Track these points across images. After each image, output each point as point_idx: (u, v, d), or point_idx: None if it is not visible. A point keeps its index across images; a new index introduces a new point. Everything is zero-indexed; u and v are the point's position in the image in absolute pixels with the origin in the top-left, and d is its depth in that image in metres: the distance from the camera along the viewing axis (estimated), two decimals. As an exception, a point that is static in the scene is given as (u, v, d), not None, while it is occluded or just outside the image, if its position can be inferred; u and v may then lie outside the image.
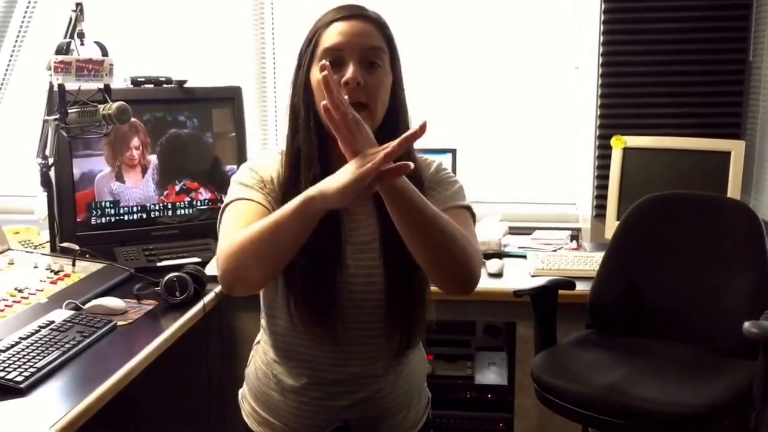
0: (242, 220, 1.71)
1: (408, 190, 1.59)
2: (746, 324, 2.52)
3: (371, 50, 1.76)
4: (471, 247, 1.70)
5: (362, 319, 1.83)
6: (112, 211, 3.32)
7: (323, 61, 1.54)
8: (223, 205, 1.84)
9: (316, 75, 1.74)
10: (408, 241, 1.64)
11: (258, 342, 2.02)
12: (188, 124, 3.47)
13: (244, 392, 2.05)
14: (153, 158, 3.40)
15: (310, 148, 1.78)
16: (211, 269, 3.10)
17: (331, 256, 1.78)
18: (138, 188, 3.37)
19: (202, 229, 3.47)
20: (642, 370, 2.74)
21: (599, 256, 3.25)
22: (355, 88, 1.71)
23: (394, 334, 1.85)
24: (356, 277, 1.81)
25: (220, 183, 3.52)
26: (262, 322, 1.97)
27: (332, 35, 1.75)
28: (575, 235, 3.81)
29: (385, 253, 1.80)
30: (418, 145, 1.66)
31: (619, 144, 3.54)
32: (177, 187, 3.46)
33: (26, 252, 3.17)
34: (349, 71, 1.72)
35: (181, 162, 3.47)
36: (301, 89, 1.81)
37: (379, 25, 1.80)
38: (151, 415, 2.84)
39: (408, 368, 1.94)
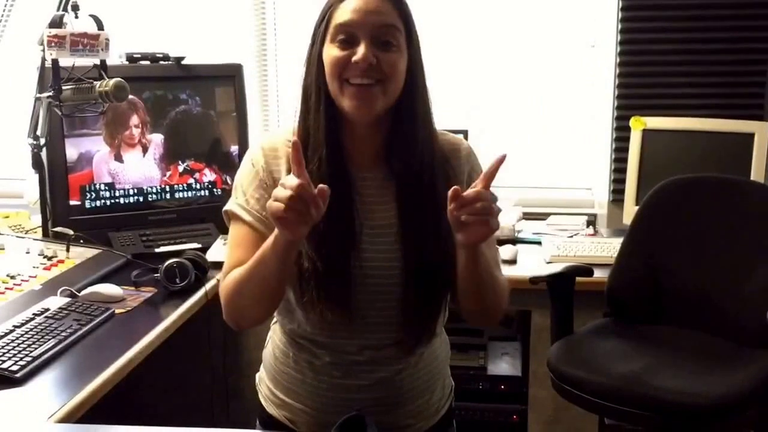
0: (236, 252, 1.77)
1: (484, 250, 1.65)
2: None
3: (385, 28, 1.68)
4: (506, 289, 1.80)
5: (378, 305, 1.76)
6: (107, 194, 3.21)
7: (294, 139, 1.57)
8: (225, 208, 1.85)
9: (329, 52, 1.69)
10: (467, 288, 1.71)
11: (275, 322, 1.94)
12: (190, 103, 3.36)
13: (261, 375, 1.98)
14: (154, 137, 3.29)
15: (318, 130, 1.73)
16: (213, 255, 3.00)
17: (343, 239, 1.72)
18: (138, 168, 3.26)
19: (202, 213, 3.36)
20: (662, 360, 2.66)
21: (617, 242, 3.16)
22: (367, 67, 1.65)
23: (411, 323, 1.78)
24: (372, 261, 1.74)
25: (223, 163, 3.43)
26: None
27: (345, 11, 1.68)
28: (592, 221, 3.70)
29: (404, 238, 1.74)
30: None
31: (638, 125, 3.43)
32: (180, 168, 3.36)
33: (18, 237, 3.07)
34: (360, 50, 1.65)
35: (187, 142, 3.38)
36: (314, 67, 1.73)
37: (395, 1, 1.71)
38: (152, 404, 2.77)
39: (429, 350, 1.87)
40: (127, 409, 2.27)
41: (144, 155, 3.27)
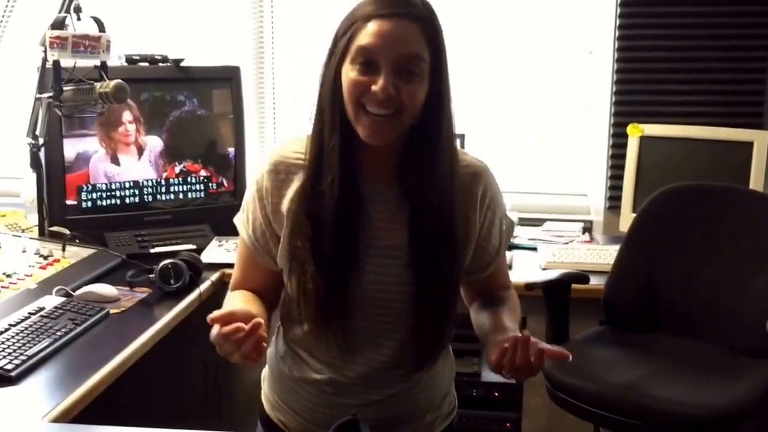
0: (239, 272, 1.85)
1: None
2: None
3: (409, 59, 1.59)
4: (518, 307, 1.88)
5: (378, 329, 1.74)
6: (104, 195, 3.20)
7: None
8: (234, 218, 1.85)
9: (348, 74, 1.61)
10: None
11: (280, 324, 1.92)
12: (188, 104, 3.36)
13: (265, 373, 1.97)
14: (150, 140, 3.29)
15: (333, 150, 1.66)
16: (208, 256, 2.99)
17: (344, 259, 1.68)
18: (134, 171, 3.26)
19: (197, 215, 3.36)
20: (660, 370, 2.65)
21: (613, 249, 3.15)
22: (386, 98, 1.58)
23: (415, 350, 1.75)
24: (375, 283, 1.71)
25: (220, 165, 3.43)
26: (280, 309, 1.89)
27: (369, 34, 1.59)
28: (588, 227, 3.69)
29: (415, 264, 1.70)
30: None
31: (635, 132, 3.42)
32: (177, 169, 3.35)
33: (14, 236, 3.06)
34: (380, 82, 1.57)
35: (183, 143, 3.38)
36: (330, 83, 1.65)
37: (425, 26, 1.62)
38: (145, 404, 2.75)
39: (429, 374, 1.83)
40: (121, 408, 2.26)
41: (140, 158, 3.26)
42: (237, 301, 1.75)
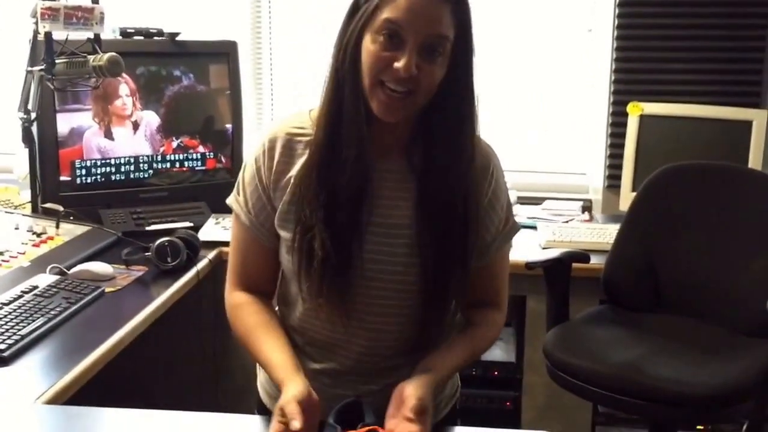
0: (236, 256, 1.79)
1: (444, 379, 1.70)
2: None
3: (436, 38, 1.55)
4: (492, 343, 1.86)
5: (375, 310, 1.70)
6: (99, 171, 3.16)
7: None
8: (227, 200, 1.79)
9: (369, 45, 1.55)
10: None
11: (276, 310, 1.87)
12: (184, 80, 3.31)
13: None
14: (146, 115, 3.24)
15: (351, 124, 1.60)
16: (205, 234, 2.96)
17: (349, 236, 1.64)
18: (129, 146, 3.22)
19: (194, 192, 3.32)
20: (659, 349, 2.63)
21: (613, 228, 3.14)
22: (407, 78, 1.53)
23: (417, 328, 1.72)
24: (375, 263, 1.66)
25: (217, 141, 3.39)
26: (276, 294, 1.85)
27: (399, 8, 1.52)
28: (587, 206, 3.67)
29: (422, 245, 1.66)
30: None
31: (635, 111, 3.39)
32: (174, 144, 3.31)
33: (6, 212, 3.02)
34: (404, 60, 1.52)
35: (180, 119, 3.33)
36: (350, 53, 1.58)
37: (456, 6, 1.58)
38: (141, 385, 2.73)
39: None
40: (116, 389, 2.23)
41: (135, 133, 3.22)
42: (265, 341, 1.71)
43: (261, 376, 1.91)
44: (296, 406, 1.48)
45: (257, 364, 1.92)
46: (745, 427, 3.00)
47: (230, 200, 1.77)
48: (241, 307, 1.76)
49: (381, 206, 1.66)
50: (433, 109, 1.61)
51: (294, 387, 1.54)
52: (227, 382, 3.23)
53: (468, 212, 1.65)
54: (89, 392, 1.96)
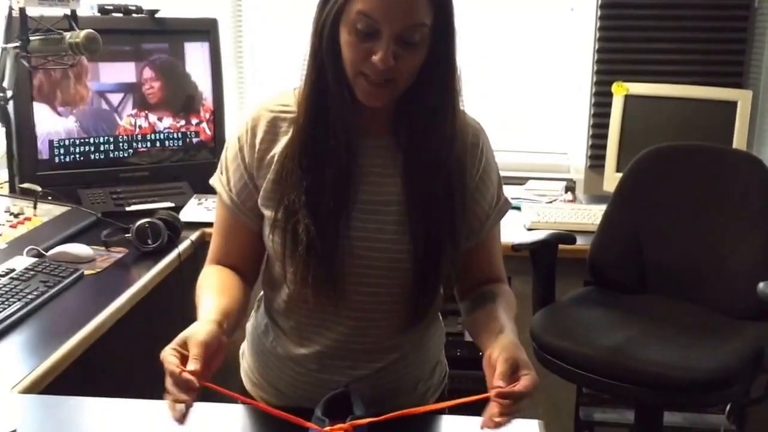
0: (218, 238, 1.76)
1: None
2: (761, 285, 2.42)
3: (412, 27, 1.49)
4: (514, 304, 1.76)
5: (361, 289, 1.66)
6: (77, 150, 3.10)
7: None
8: (210, 180, 1.75)
9: (344, 37, 1.51)
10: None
11: (260, 298, 1.85)
12: (164, 58, 3.26)
13: (244, 348, 1.90)
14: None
15: (339, 109, 1.57)
16: (186, 215, 2.92)
17: (335, 217, 1.60)
18: (95, 122, 3.16)
19: (175, 171, 3.28)
20: (647, 331, 2.62)
21: (597, 209, 3.14)
22: (386, 69, 1.49)
23: (407, 307, 1.68)
24: (362, 240, 1.63)
25: (198, 121, 3.35)
26: (261, 276, 1.81)
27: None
28: (571, 187, 3.64)
29: (411, 222, 1.63)
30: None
31: (620, 91, 3.37)
32: (155, 123, 3.26)
33: (-18, 192, 2.96)
34: (380, 53, 1.47)
35: (160, 97, 3.27)
36: (329, 41, 1.54)
37: None
38: (121, 369, 2.69)
39: (416, 346, 1.77)
40: (96, 374, 2.20)
41: (115, 112, 3.17)
42: (208, 294, 1.64)
43: (244, 364, 1.88)
44: (201, 348, 1.43)
45: (240, 352, 1.90)
46: (728, 409, 3.02)
47: (213, 180, 1.74)
48: (207, 275, 1.72)
49: (370, 183, 1.63)
50: (419, 84, 1.58)
51: (207, 326, 1.49)
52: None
53: (456, 187, 1.62)
54: (68, 379, 1.93)
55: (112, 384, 2.34)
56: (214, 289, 1.64)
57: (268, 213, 1.66)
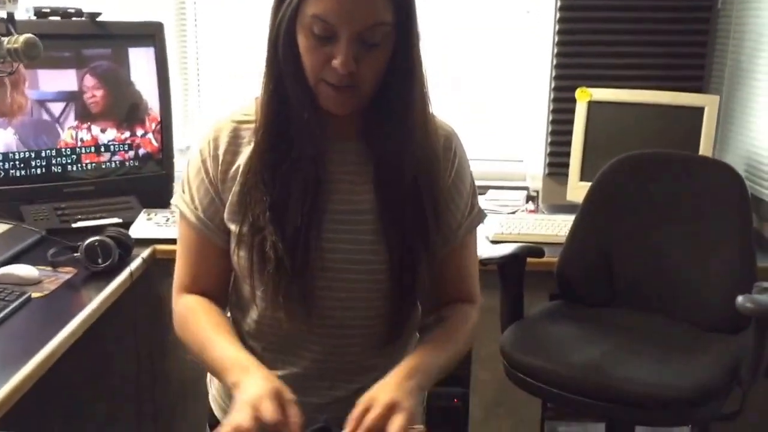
0: (185, 259, 1.68)
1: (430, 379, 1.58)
2: (740, 298, 2.34)
3: (372, 27, 1.42)
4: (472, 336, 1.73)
5: (339, 302, 1.61)
6: (17, 164, 2.95)
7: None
8: (172, 200, 1.69)
9: (302, 43, 1.45)
10: None
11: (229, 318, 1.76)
12: (104, 64, 3.11)
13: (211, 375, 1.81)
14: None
15: (300, 119, 1.51)
16: (136, 231, 2.78)
17: (305, 231, 1.54)
18: (35, 133, 3.00)
19: (122, 185, 3.13)
20: (621, 347, 2.54)
21: (560, 219, 3.08)
22: (347, 74, 1.43)
23: (385, 321, 1.64)
24: (337, 252, 1.57)
25: (145, 132, 3.20)
26: (231, 298, 1.74)
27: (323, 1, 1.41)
28: (533, 197, 3.57)
29: (386, 232, 1.57)
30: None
31: (584, 97, 3.29)
32: (97, 136, 3.10)
33: None
34: (340, 57, 1.41)
35: (104, 107, 3.13)
36: (282, 41, 1.47)
37: None
38: (74, 393, 2.58)
39: (395, 364, 1.66)
40: (47, 397, 2.06)
41: (56, 123, 3.01)
42: (225, 336, 1.59)
43: (213, 390, 1.79)
44: (271, 402, 1.39)
45: (208, 378, 1.80)
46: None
47: (175, 200, 1.66)
48: (191, 311, 1.64)
49: (341, 192, 1.57)
50: (385, 90, 1.52)
51: (259, 381, 1.44)
52: (164, 385, 3.07)
53: (428, 192, 1.58)
54: (18, 408, 1.79)
55: (65, 406, 2.22)
56: (219, 335, 1.60)
57: (233, 227, 1.58)
